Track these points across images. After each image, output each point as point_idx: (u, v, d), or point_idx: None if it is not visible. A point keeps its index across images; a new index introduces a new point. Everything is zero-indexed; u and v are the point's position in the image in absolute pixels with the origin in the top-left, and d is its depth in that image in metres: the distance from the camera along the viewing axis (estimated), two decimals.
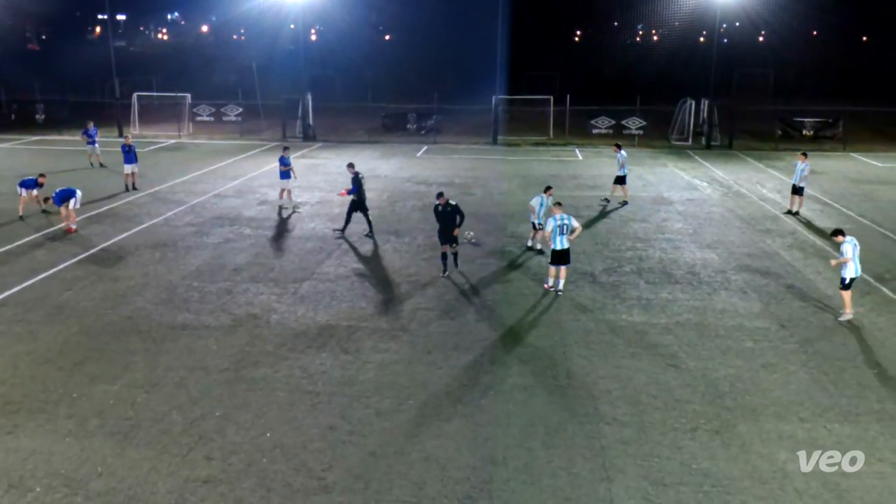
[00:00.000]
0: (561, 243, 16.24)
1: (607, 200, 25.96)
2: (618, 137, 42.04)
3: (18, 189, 22.72)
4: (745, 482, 9.64)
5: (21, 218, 22.55)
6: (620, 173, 25.74)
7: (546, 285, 16.91)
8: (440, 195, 17.53)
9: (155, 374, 12.53)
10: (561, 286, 16.64)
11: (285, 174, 24.37)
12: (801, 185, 24.11)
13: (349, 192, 20.97)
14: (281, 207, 24.61)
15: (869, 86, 55.56)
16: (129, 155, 27.23)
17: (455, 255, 17.77)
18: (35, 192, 22.88)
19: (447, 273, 17.58)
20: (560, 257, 16.38)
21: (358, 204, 20.98)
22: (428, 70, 71.44)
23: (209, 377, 12.42)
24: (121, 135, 43.20)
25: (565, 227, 16.21)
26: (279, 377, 12.45)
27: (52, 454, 10.13)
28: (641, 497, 9.33)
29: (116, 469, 9.79)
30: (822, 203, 25.82)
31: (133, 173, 27.51)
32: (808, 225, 23.27)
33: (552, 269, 16.70)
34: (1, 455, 10.08)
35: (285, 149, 25.24)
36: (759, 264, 18.90)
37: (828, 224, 23.12)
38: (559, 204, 16.80)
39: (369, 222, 21.33)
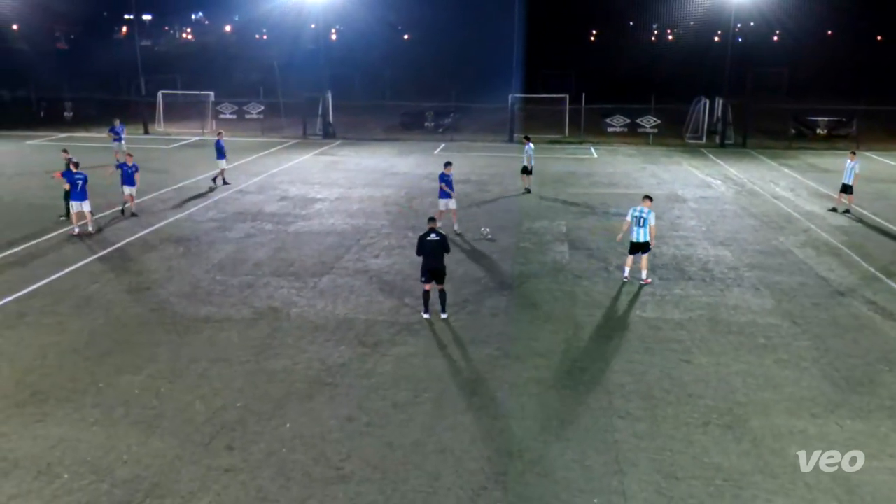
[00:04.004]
0: (637, 235, 16.73)
1: (528, 190, 27.45)
2: (633, 136, 42.17)
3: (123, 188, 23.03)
4: (757, 476, 9.69)
5: (125, 212, 23.06)
6: (528, 164, 27.21)
7: (625, 276, 17.27)
8: (431, 220, 15.20)
9: (178, 365, 12.75)
10: (644, 275, 17.07)
11: (445, 193, 21.48)
12: (851, 182, 24.15)
13: (63, 175, 21.67)
14: (456, 233, 21.37)
15: (883, 85, 55.02)
16: (222, 151, 27.85)
17: (443, 296, 15.03)
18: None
19: (429, 314, 14.99)
20: (636, 248, 16.90)
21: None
22: (445, 69, 71.63)
23: (231, 368, 12.63)
24: (146, 132, 43.83)
25: (642, 220, 16.65)
26: (299, 369, 12.62)
27: (79, 442, 10.32)
28: (654, 490, 9.40)
29: (141, 457, 9.97)
30: (834, 201, 25.73)
31: (224, 169, 28.28)
32: (861, 222, 23.38)
33: (629, 258, 17.15)
34: (30, 442, 10.29)
35: (447, 164, 21.85)
36: (772, 261, 18.92)
37: (841, 222, 23.13)
38: (647, 197, 17.13)
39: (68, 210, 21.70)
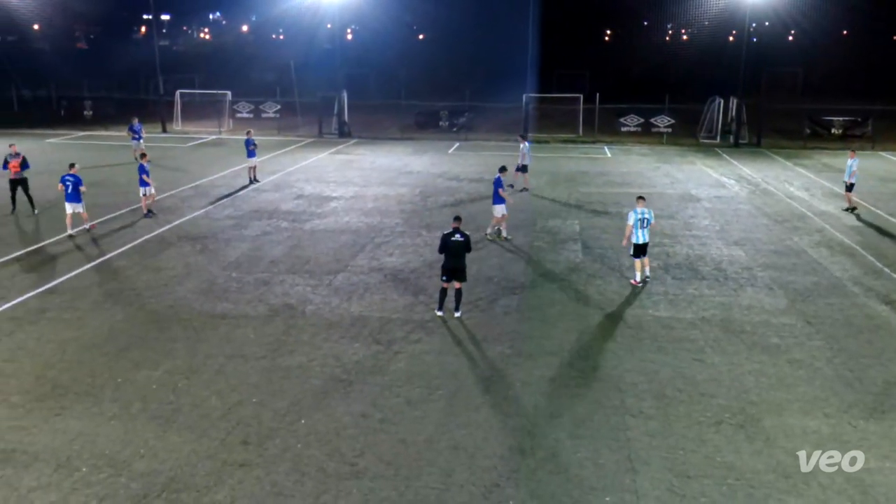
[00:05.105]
0: (643, 237, 16.72)
1: (511, 186, 27.20)
2: (647, 135, 42.15)
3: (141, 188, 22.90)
4: (769, 476, 9.68)
5: (149, 214, 23.02)
6: (524, 162, 27.40)
7: (634, 281, 17.09)
8: (457, 219, 15.21)
9: (195, 360, 12.89)
10: (648, 272, 17.23)
11: (500, 199, 20.38)
12: (851, 181, 24.17)
13: (23, 169, 23.01)
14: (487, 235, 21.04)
15: None
16: (253, 150, 28.18)
17: (459, 295, 15.16)
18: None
19: (443, 312, 15.04)
20: (641, 249, 16.87)
21: (22, 183, 23.06)
22: (460, 68, 71.73)
23: (247, 364, 12.76)
24: (164, 130, 44.24)
25: (646, 220, 16.70)
26: (314, 366, 12.74)
27: (97, 436, 10.46)
28: (666, 489, 9.42)
29: (158, 451, 10.10)
30: (846, 200, 25.61)
31: (255, 167, 28.68)
32: (863, 221, 23.32)
33: (637, 262, 17.06)
34: (49, 436, 10.45)
35: (502, 169, 20.86)
36: (786, 261, 18.88)
37: (854, 223, 23.03)
38: (642, 198, 17.22)
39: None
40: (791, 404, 11.57)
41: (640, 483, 9.54)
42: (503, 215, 20.57)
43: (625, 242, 17.10)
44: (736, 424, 10.96)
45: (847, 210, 24.42)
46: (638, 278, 17.07)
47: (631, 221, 16.70)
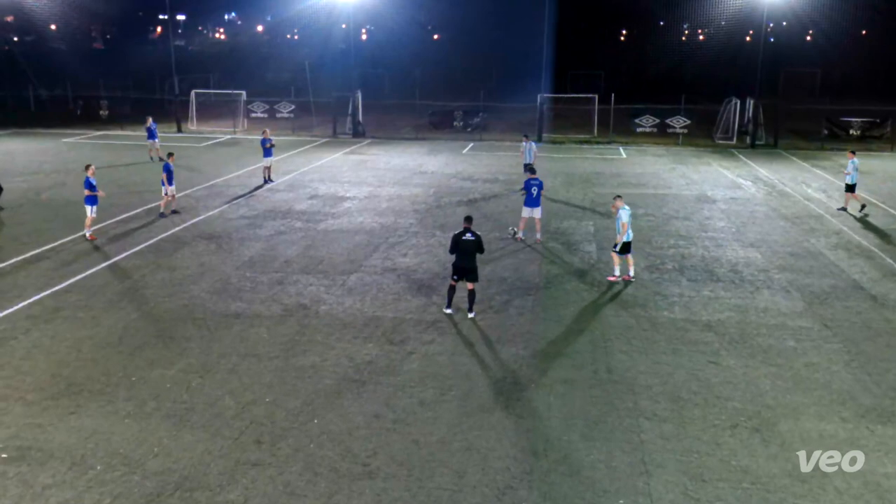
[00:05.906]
0: (630, 233, 17.04)
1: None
2: (662, 136, 41.99)
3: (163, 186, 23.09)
4: (785, 480, 9.59)
5: (166, 212, 23.16)
6: (528, 161, 27.44)
7: (627, 275, 17.24)
8: (468, 219, 15.14)
9: (209, 360, 12.94)
10: (632, 272, 17.35)
11: (534, 201, 20.38)
12: (847, 181, 24.08)
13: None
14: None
15: None
16: (269, 149, 28.37)
17: (472, 295, 14.99)
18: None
19: (451, 310, 15.08)
20: (629, 247, 17.12)
21: None
22: (475, 69, 71.84)
23: (260, 364, 12.79)
24: (179, 130, 44.55)
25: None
26: (327, 366, 12.75)
27: (111, 434, 10.51)
28: (680, 492, 9.35)
29: (172, 450, 10.14)
30: (869, 203, 25.37)
31: (269, 167, 28.87)
32: (862, 221, 23.18)
33: (618, 257, 17.20)
34: (64, 434, 10.51)
35: (533, 171, 21.25)
36: (803, 264, 18.74)
37: (852, 222, 22.86)
38: (620, 196, 17.33)
39: None
40: (807, 408, 11.47)
41: (653, 486, 9.48)
42: (537, 218, 20.50)
43: (620, 239, 17.15)
44: (751, 428, 10.87)
45: (841, 209, 24.20)
46: (617, 273, 17.20)
47: (626, 219, 16.83)
